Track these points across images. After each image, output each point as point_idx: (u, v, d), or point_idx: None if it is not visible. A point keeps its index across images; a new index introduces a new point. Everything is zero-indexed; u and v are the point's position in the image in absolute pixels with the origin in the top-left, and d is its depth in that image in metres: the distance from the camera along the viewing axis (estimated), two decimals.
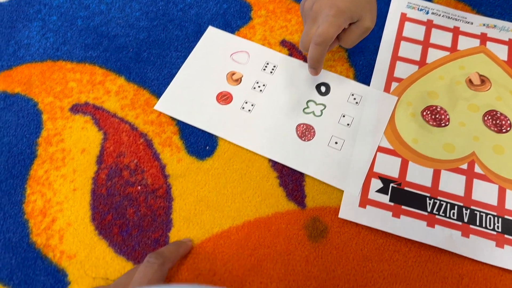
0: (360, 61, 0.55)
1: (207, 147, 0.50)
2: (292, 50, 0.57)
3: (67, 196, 0.48)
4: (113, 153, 0.50)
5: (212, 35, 0.57)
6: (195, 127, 0.51)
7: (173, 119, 0.52)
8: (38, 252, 0.45)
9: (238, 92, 0.53)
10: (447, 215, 0.45)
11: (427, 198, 0.46)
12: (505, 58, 0.55)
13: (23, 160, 0.50)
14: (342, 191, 0.47)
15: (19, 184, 0.49)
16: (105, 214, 0.47)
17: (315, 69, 0.50)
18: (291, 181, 0.48)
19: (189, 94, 0.53)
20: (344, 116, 0.51)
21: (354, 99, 0.52)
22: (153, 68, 0.55)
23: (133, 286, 0.37)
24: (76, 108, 0.53)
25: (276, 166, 0.49)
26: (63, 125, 0.52)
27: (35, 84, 0.54)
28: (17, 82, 0.54)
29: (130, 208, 0.47)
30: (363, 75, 0.55)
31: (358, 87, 0.53)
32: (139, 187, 0.48)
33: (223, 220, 0.46)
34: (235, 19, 0.59)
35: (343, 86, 0.53)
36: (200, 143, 0.50)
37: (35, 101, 0.53)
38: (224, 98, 0.53)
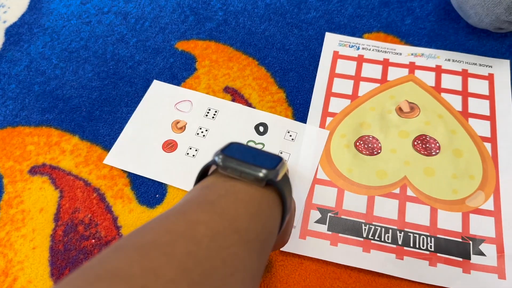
0: (297, 100, 0.59)
1: (157, 195, 0.53)
2: (235, 95, 0.60)
3: (27, 254, 0.51)
4: (69, 210, 0.53)
5: (157, 88, 0.61)
6: (145, 177, 0.54)
7: (124, 171, 0.55)
8: None
9: (183, 139, 0.56)
10: (382, 239, 0.48)
11: (363, 224, 0.49)
12: (433, 84, 0.59)
13: None
14: None
15: None
16: (62, 269, 0.49)
17: None
18: None
19: (136, 145, 0.56)
20: (281, 152, 0.54)
21: (290, 136, 0.56)
22: (105, 125, 0.59)
23: None
24: (34, 170, 0.56)
25: None
26: (22, 187, 0.55)
27: None
28: None
29: (86, 261, 0.50)
30: (301, 113, 0.58)
31: (294, 124, 0.56)
32: (93, 240, 0.51)
33: None
34: (181, 71, 0.63)
35: (280, 124, 0.57)
36: (150, 192, 0.54)
37: None
38: (170, 146, 0.56)
